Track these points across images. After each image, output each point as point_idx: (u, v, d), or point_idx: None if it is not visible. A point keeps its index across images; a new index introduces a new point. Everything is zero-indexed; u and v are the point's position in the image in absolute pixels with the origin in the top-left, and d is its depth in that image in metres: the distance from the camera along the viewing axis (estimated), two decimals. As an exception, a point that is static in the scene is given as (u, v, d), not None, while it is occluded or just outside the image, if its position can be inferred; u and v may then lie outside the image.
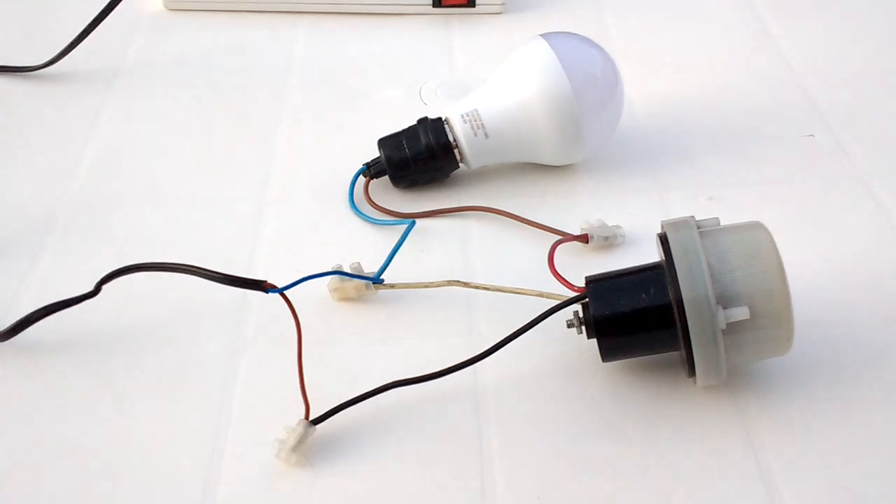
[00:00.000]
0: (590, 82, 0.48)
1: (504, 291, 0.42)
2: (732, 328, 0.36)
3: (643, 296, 0.38)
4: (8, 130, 0.55)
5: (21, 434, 0.39)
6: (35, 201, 0.50)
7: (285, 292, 0.37)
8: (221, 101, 0.57)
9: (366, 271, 0.44)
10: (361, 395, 0.38)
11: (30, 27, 0.64)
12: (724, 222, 0.39)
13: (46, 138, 0.54)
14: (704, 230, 0.38)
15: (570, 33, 0.50)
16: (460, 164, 0.50)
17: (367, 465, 0.37)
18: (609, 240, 0.46)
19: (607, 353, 0.39)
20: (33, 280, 0.45)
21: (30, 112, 0.57)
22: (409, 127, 0.50)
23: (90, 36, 0.58)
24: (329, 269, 0.42)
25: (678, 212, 0.45)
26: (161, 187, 0.51)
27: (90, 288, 0.40)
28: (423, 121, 0.50)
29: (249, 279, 0.38)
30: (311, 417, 0.37)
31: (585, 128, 0.48)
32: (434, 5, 0.64)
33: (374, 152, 0.50)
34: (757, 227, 0.38)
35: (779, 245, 0.37)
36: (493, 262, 0.46)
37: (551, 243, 0.44)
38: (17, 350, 0.42)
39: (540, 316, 0.39)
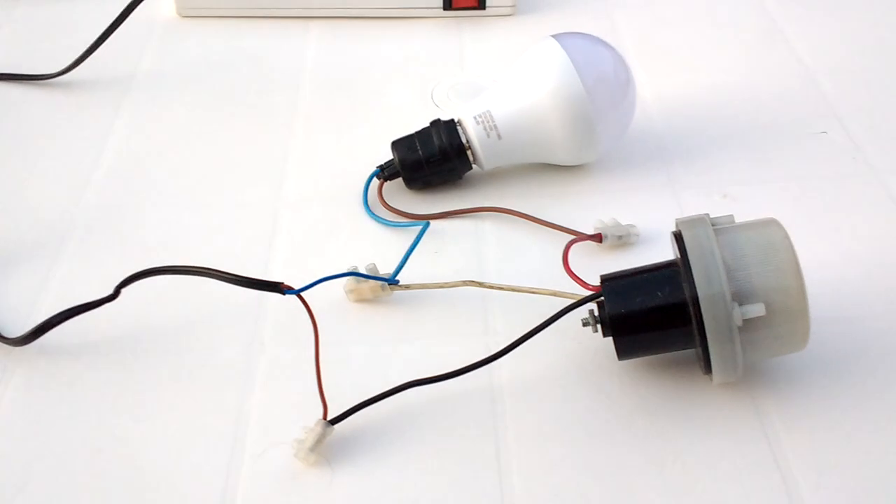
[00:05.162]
0: (602, 82, 0.48)
1: (519, 291, 0.42)
2: (748, 325, 0.36)
3: (658, 294, 0.38)
4: (25, 138, 0.56)
5: (42, 436, 0.39)
6: (53, 207, 0.50)
7: (302, 294, 0.38)
8: (235, 105, 0.58)
9: (381, 272, 0.44)
10: (378, 395, 0.38)
11: (45, 35, 0.65)
12: (738, 220, 0.39)
13: (63, 145, 0.55)
14: (719, 227, 0.38)
15: (581, 33, 0.50)
16: (473, 166, 0.50)
17: (385, 464, 0.37)
18: (623, 238, 0.46)
19: (623, 352, 0.39)
20: (53, 284, 0.46)
21: (46, 119, 0.57)
22: (423, 129, 0.50)
23: (105, 43, 0.58)
24: (345, 271, 0.43)
25: (692, 210, 0.45)
26: (178, 192, 0.51)
27: (109, 292, 0.41)
28: (436, 122, 0.50)
29: (266, 281, 0.38)
30: (328, 417, 0.38)
31: (598, 127, 0.48)
32: (445, 8, 0.64)
33: (387, 154, 0.50)
34: (772, 224, 0.38)
35: (794, 242, 0.37)
36: (507, 262, 0.46)
37: (565, 243, 0.44)
38: (38, 354, 0.42)
39: (555, 315, 0.39)
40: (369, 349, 0.42)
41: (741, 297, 0.36)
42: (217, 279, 0.39)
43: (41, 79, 0.60)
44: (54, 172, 0.53)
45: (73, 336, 0.42)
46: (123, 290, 0.41)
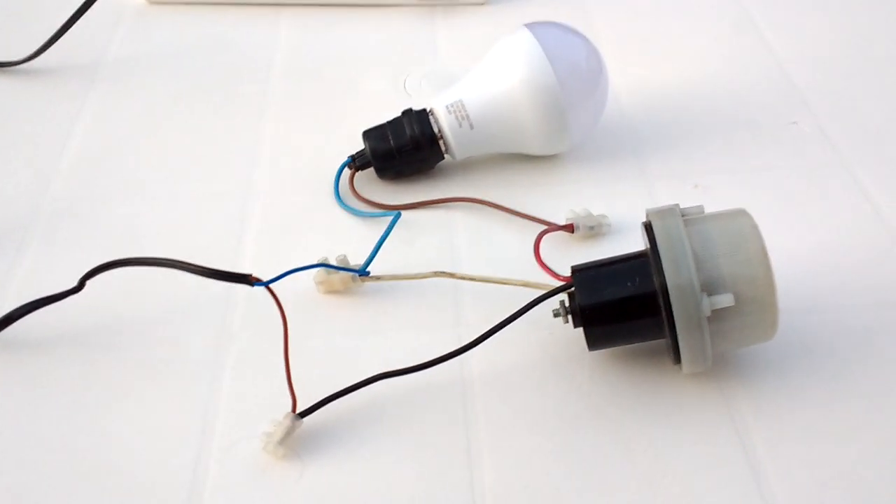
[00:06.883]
0: (574, 72, 0.48)
1: (490, 282, 0.42)
2: (717, 315, 0.36)
3: (629, 284, 0.38)
4: (-11, 126, 0.55)
5: (5, 431, 0.38)
6: (18, 196, 0.49)
7: (271, 286, 0.37)
8: (205, 94, 0.57)
9: (352, 264, 0.43)
10: (348, 388, 0.38)
11: (10, 21, 0.63)
12: (708, 210, 0.39)
13: (28, 133, 0.54)
14: (689, 218, 0.38)
15: (553, 23, 0.50)
16: (445, 156, 0.50)
17: (355, 456, 0.37)
18: (595, 229, 0.46)
19: (594, 342, 0.39)
20: (17, 276, 0.45)
21: (11, 107, 0.56)
22: (394, 119, 0.50)
23: (72, 30, 0.57)
24: (315, 262, 0.42)
25: (663, 200, 0.45)
26: (145, 182, 0.51)
27: (74, 284, 0.40)
28: (408, 112, 0.50)
29: (235, 273, 0.38)
30: (298, 410, 0.37)
31: (570, 117, 0.48)
32: (418, -4, 0.64)
33: (359, 144, 0.50)
34: (741, 215, 0.38)
35: (763, 232, 0.37)
36: (479, 253, 0.46)
37: (537, 233, 0.44)
38: (1, 347, 0.41)
39: (526, 306, 0.39)
40: (339, 341, 0.42)
41: (710, 287, 0.36)
42: (185, 271, 0.38)
43: (6, 66, 0.58)
44: (19, 161, 0.52)
45: (37, 329, 0.42)
46: (89, 282, 0.40)
